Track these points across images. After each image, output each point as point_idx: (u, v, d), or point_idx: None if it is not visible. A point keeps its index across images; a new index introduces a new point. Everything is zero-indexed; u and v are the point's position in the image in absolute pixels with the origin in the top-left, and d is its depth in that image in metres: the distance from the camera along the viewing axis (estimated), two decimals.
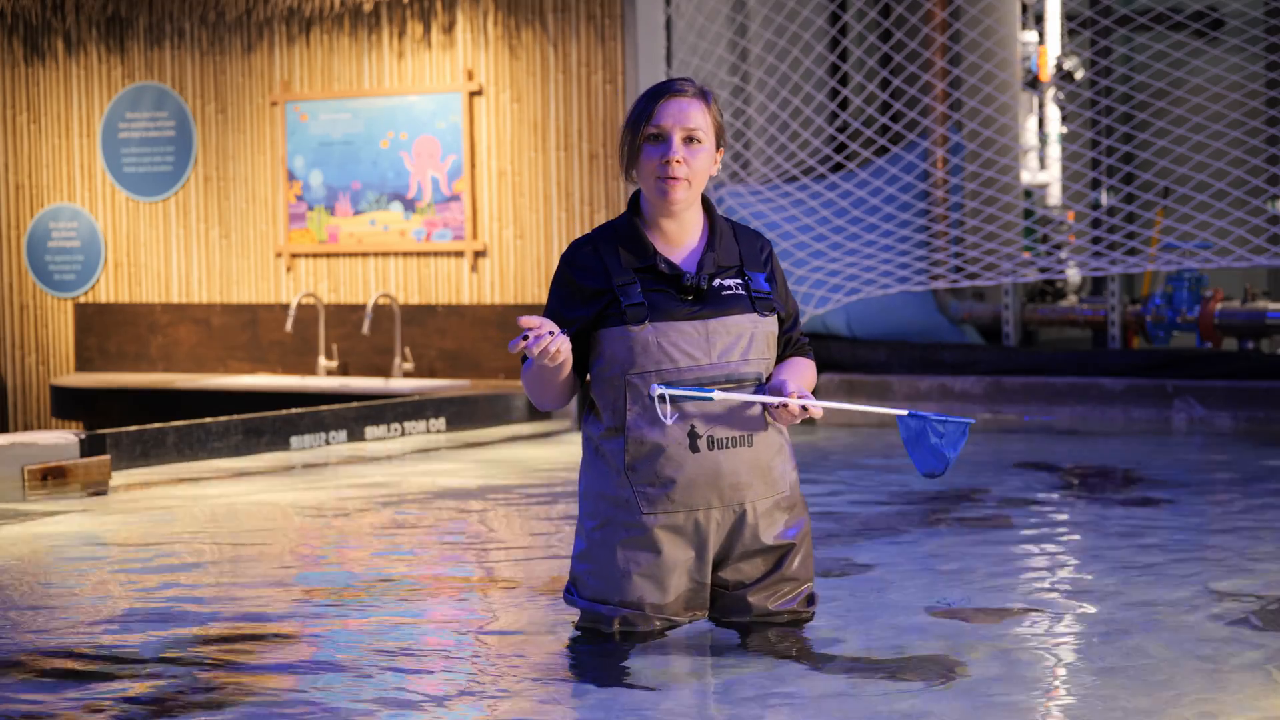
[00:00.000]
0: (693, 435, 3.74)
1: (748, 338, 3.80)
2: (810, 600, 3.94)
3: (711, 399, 3.70)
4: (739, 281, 3.83)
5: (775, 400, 3.71)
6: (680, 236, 3.84)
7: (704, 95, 3.82)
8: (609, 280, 3.76)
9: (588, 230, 4.06)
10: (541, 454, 7.88)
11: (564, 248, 9.70)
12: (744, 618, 3.88)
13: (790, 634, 3.85)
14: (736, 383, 3.77)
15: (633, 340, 3.73)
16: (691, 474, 3.75)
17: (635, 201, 3.87)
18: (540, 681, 3.61)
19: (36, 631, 4.18)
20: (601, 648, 3.77)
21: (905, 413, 3.76)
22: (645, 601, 3.79)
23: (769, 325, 3.84)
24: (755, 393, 3.78)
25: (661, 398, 3.67)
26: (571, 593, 3.92)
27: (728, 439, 3.76)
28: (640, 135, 3.78)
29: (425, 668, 3.76)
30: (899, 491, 6.38)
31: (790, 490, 3.87)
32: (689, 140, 3.77)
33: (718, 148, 3.85)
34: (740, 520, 3.81)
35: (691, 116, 3.78)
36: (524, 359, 3.82)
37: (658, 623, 3.80)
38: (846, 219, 9.99)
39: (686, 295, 3.77)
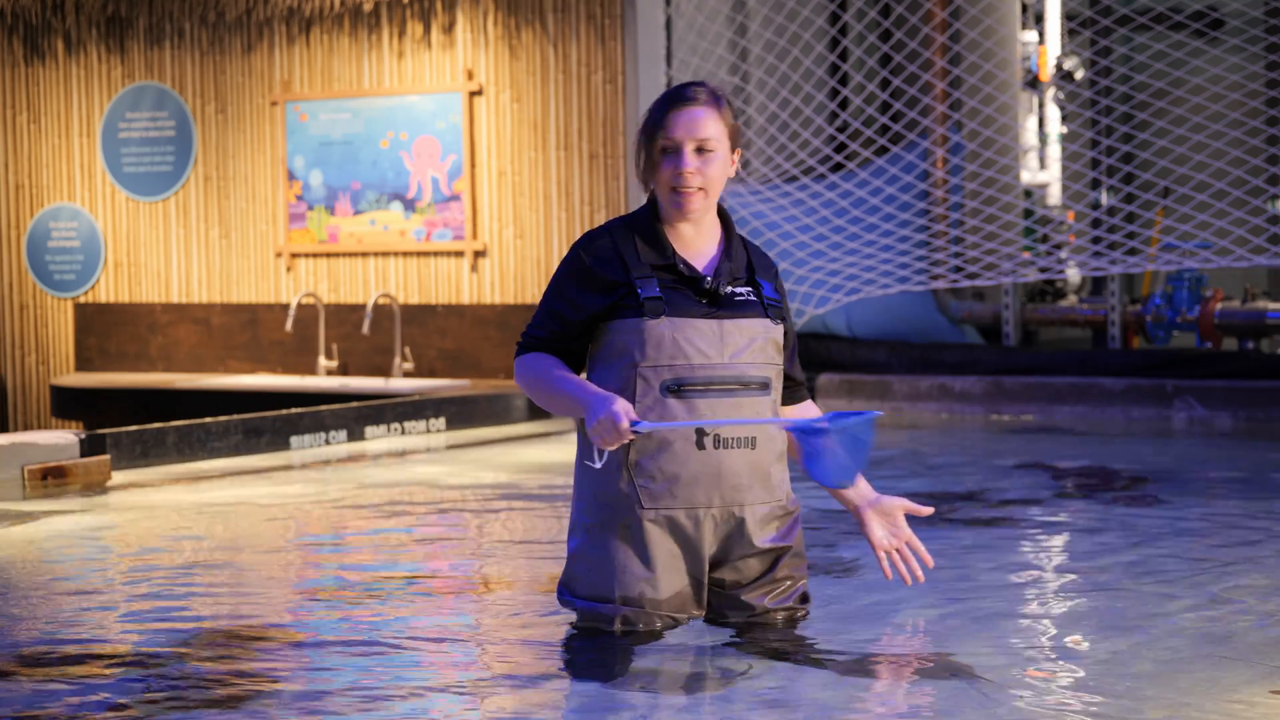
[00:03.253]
0: (700, 433, 3.74)
1: (760, 341, 3.82)
2: (804, 598, 3.95)
3: (704, 430, 3.72)
4: (749, 289, 3.85)
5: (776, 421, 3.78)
6: (697, 241, 3.86)
7: (716, 101, 3.82)
8: (627, 273, 3.77)
9: (587, 230, 4.04)
10: (541, 454, 7.88)
11: (564, 248, 9.73)
12: (740, 616, 3.88)
13: (787, 633, 3.86)
14: (744, 384, 3.80)
15: (647, 333, 3.73)
16: (695, 471, 3.75)
17: (654, 199, 3.88)
18: (539, 681, 3.61)
19: (36, 631, 4.18)
20: (600, 647, 3.76)
21: (819, 427, 3.64)
22: (645, 598, 3.78)
23: (778, 332, 3.86)
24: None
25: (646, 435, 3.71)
26: (565, 593, 3.92)
27: (732, 439, 3.77)
28: (655, 146, 3.80)
29: (424, 668, 3.76)
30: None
31: (785, 498, 3.89)
32: (700, 150, 3.78)
33: (734, 149, 3.87)
34: (740, 525, 3.82)
35: (703, 126, 3.78)
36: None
37: (658, 621, 3.80)
38: (846, 219, 9.99)
39: (703, 298, 3.79)
